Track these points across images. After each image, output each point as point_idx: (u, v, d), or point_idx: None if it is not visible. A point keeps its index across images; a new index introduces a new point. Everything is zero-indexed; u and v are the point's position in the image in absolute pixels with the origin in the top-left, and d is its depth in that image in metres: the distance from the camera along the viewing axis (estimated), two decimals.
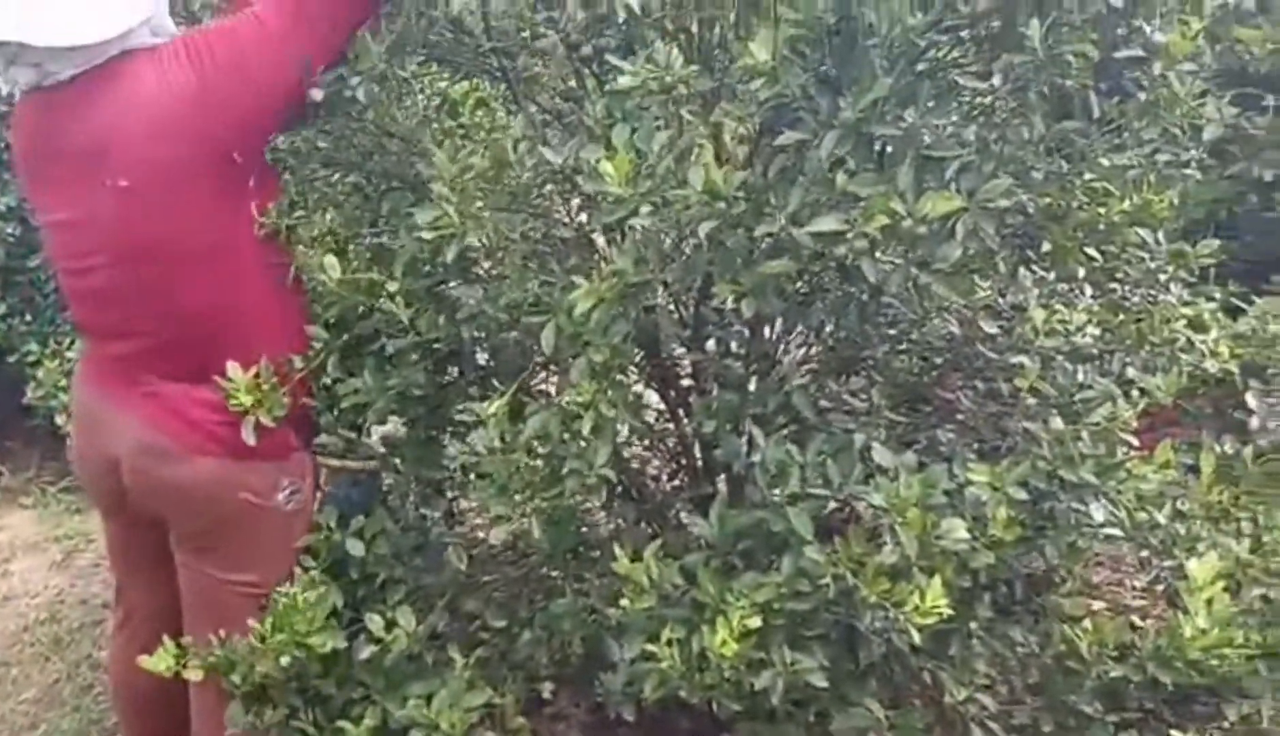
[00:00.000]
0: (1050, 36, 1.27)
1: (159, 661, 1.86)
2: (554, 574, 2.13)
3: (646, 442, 2.13)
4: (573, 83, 1.85)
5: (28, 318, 3.52)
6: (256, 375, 1.77)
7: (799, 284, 1.69)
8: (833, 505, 1.65)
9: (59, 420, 3.31)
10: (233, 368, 1.76)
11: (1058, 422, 1.69)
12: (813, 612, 1.60)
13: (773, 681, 1.59)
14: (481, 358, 2.07)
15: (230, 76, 1.76)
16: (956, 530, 1.52)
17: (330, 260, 1.69)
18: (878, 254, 1.28)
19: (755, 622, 1.51)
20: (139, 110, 1.75)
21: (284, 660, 1.83)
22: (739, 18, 1.39)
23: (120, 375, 1.92)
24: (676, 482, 2.35)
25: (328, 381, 1.92)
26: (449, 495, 2.27)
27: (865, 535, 1.56)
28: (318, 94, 1.80)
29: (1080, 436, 1.66)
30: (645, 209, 1.35)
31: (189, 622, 1.99)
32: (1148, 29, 1.33)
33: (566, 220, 1.61)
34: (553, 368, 2.10)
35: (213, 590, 1.97)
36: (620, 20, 1.39)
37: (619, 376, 1.55)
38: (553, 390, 2.17)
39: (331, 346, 1.82)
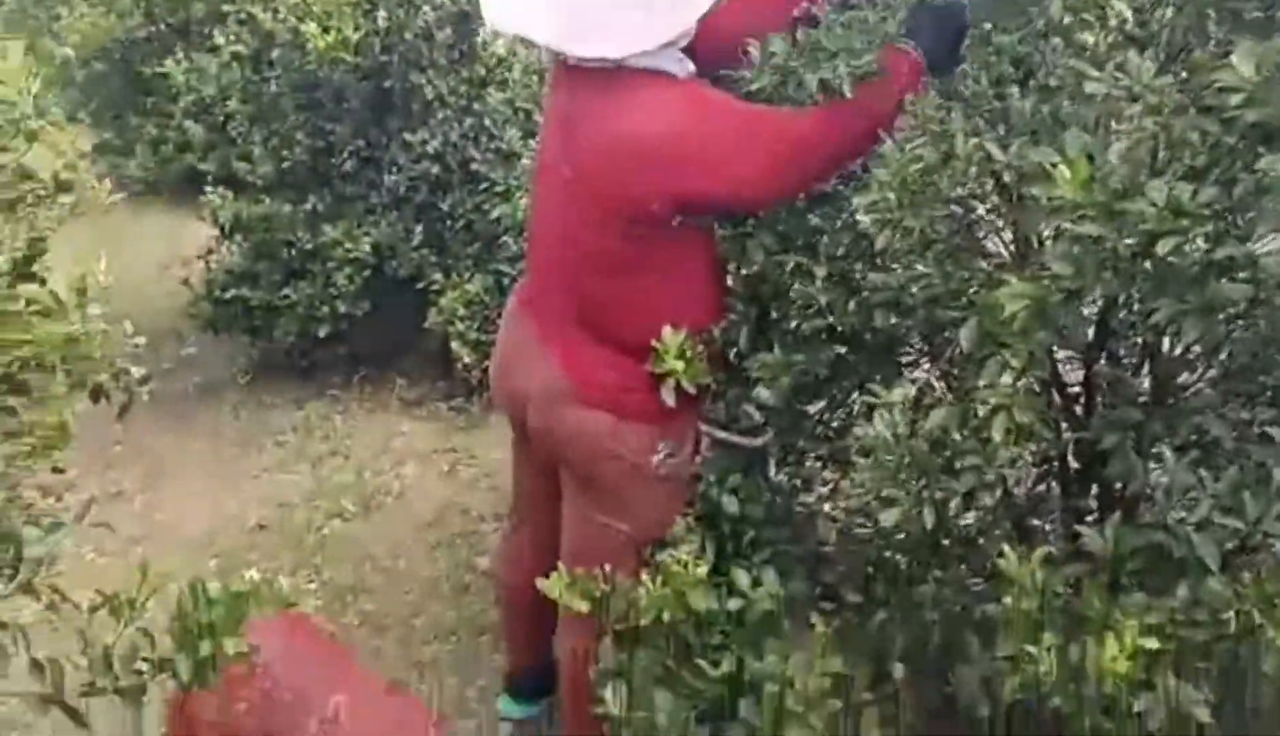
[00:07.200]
0: None
1: (552, 586, 2.00)
2: (912, 559, 2.15)
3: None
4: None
5: (436, 250, 3.80)
6: (684, 341, 1.89)
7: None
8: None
9: (453, 345, 3.67)
10: (667, 331, 1.88)
11: None
12: (1206, 644, 1.55)
13: (1154, 706, 1.56)
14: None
15: (716, 161, 1.82)
16: None
17: (759, 242, 1.78)
18: None
19: (1151, 643, 1.49)
20: (615, 125, 1.84)
21: (664, 615, 1.95)
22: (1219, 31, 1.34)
23: (548, 318, 2.07)
24: (1043, 488, 2.30)
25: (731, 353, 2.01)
26: (819, 466, 2.34)
27: (1277, 573, 1.49)
28: None
29: None
30: (1093, 216, 1.35)
31: (566, 551, 2.14)
32: None
33: (995, 217, 1.61)
34: (939, 357, 2.11)
35: (589, 528, 2.11)
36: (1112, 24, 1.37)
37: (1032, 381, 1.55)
38: (930, 378, 2.19)
39: (748, 319, 1.92)
